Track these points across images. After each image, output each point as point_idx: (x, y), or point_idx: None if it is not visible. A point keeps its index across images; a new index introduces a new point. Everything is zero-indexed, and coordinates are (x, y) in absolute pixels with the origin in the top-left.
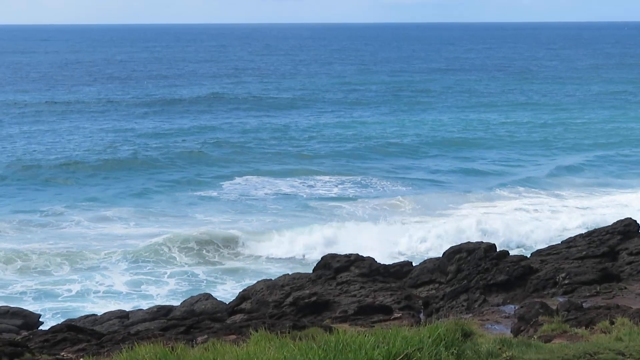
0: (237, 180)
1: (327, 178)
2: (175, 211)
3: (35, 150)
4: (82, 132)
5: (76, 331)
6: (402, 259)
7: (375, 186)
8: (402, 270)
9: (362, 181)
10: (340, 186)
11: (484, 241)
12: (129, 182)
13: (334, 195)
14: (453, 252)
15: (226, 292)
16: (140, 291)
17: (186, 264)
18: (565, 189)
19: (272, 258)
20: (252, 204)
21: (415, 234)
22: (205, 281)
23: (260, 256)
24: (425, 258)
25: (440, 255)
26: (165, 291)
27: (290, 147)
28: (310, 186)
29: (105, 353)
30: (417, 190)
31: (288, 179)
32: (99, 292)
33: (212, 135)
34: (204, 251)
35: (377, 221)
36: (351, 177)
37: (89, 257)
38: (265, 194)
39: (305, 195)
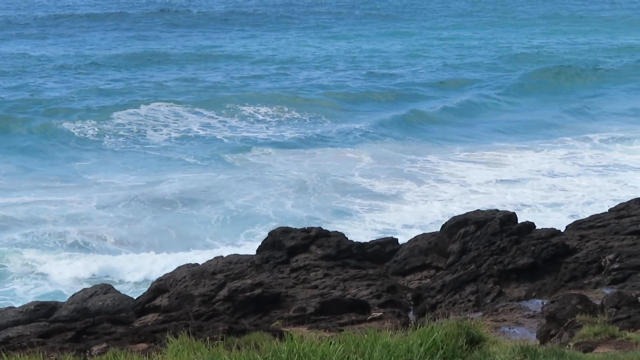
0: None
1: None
2: None
3: None
4: None
5: None
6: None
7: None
8: (383, 250)
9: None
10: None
11: (500, 209)
12: None
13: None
14: (456, 225)
15: (134, 283)
16: None
17: None
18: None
19: None
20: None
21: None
22: None
23: None
24: (417, 234)
25: (438, 230)
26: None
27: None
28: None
29: None
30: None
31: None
32: None
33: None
34: None
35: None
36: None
37: None
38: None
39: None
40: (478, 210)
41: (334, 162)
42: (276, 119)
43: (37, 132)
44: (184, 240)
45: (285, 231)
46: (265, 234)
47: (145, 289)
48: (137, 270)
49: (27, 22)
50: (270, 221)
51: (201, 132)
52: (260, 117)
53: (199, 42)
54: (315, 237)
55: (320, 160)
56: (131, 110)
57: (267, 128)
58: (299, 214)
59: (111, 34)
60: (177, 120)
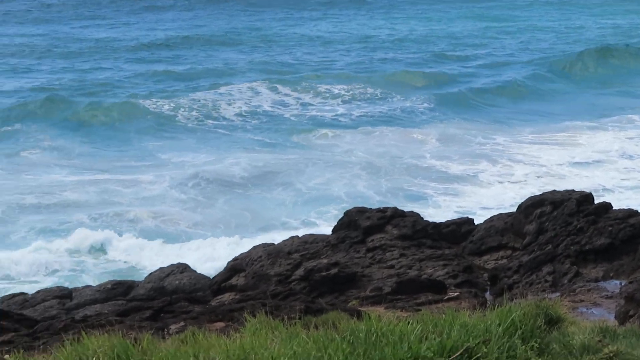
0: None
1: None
2: None
3: None
4: None
5: None
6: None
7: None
8: (459, 230)
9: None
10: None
11: (576, 189)
12: None
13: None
14: (532, 205)
15: (210, 261)
16: None
17: None
18: None
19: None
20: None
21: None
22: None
23: None
24: (493, 214)
25: (514, 210)
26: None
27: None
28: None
29: (41, 347)
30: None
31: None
32: None
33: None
34: None
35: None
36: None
37: None
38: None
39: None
40: (554, 190)
41: (401, 142)
42: (345, 98)
43: (112, 112)
44: (259, 223)
45: (361, 211)
46: (337, 215)
47: (220, 269)
48: (211, 257)
49: (99, 1)
50: (342, 203)
51: (271, 111)
52: (330, 97)
53: (271, 23)
54: (391, 217)
55: (387, 140)
56: (206, 91)
57: (335, 108)
58: (371, 196)
59: (185, 14)
60: (248, 99)
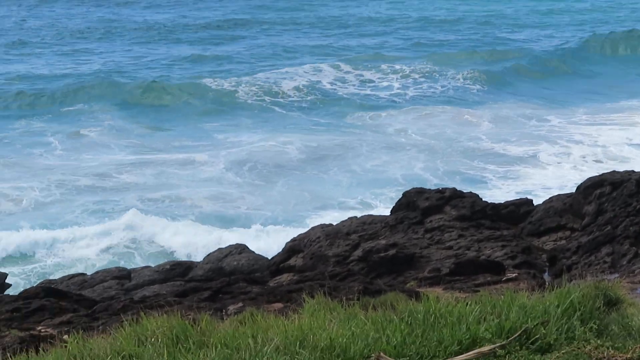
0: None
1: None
2: None
3: None
4: None
5: (58, 297)
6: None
7: None
8: (518, 211)
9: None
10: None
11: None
12: None
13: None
14: (591, 186)
15: (268, 242)
16: None
17: None
18: None
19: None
20: None
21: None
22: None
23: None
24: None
25: (573, 191)
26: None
27: None
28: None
29: (99, 327)
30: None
31: None
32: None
33: None
34: None
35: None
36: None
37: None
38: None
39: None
40: (614, 171)
41: (455, 123)
42: (400, 78)
43: (172, 93)
44: (317, 203)
45: (419, 192)
46: (394, 197)
47: (278, 250)
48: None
49: None
50: (399, 185)
51: (327, 91)
52: (386, 77)
53: (330, 4)
54: (449, 197)
55: (440, 121)
56: (268, 72)
57: (390, 87)
58: (428, 179)
59: (254, 2)
60: (307, 81)
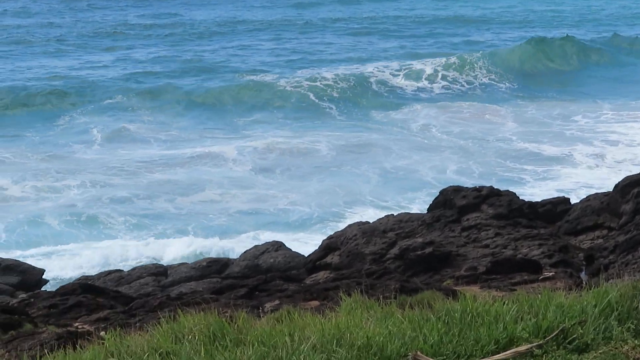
0: None
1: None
2: None
3: None
4: None
5: (95, 293)
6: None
7: None
8: (555, 210)
9: None
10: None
11: None
12: None
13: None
14: (629, 185)
15: (305, 240)
16: None
17: None
18: None
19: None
20: None
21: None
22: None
23: None
24: (589, 194)
25: (611, 189)
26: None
27: None
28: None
29: (136, 324)
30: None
31: None
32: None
33: None
34: None
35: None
36: None
37: None
38: None
39: None
40: None
41: (483, 122)
42: (433, 76)
43: (216, 91)
44: (350, 201)
45: (456, 190)
46: (427, 196)
47: (314, 248)
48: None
49: None
50: (432, 188)
51: (358, 88)
52: (412, 73)
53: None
54: (486, 196)
55: (468, 119)
56: (305, 71)
57: (416, 83)
58: (463, 181)
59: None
60: (337, 79)
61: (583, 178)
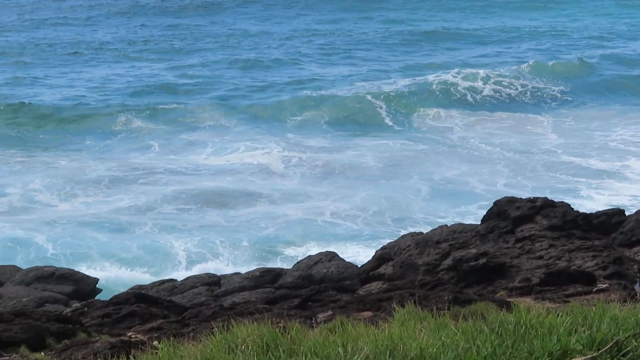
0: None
1: None
2: None
3: None
4: None
5: (148, 303)
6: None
7: None
8: (609, 221)
9: None
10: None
11: None
12: None
13: None
14: None
15: (359, 250)
16: None
17: None
18: None
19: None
20: None
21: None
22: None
23: None
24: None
25: None
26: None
27: None
28: None
29: (190, 334)
30: None
31: None
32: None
33: None
34: None
35: None
36: None
37: None
38: None
39: None
40: None
41: (519, 133)
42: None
43: (280, 106)
44: (399, 214)
45: (510, 201)
46: (478, 208)
47: (368, 258)
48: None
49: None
50: (482, 200)
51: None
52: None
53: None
54: (541, 207)
55: (509, 131)
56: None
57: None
58: (509, 192)
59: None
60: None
61: (636, 190)
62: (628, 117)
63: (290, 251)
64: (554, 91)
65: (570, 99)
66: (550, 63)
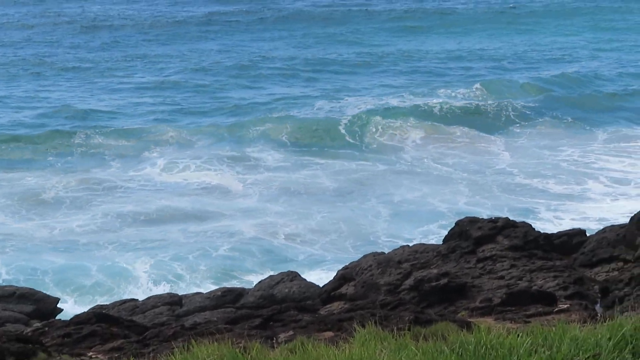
0: None
1: None
2: None
3: None
4: None
5: (109, 323)
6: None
7: None
8: (570, 242)
9: None
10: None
11: None
12: None
13: None
14: None
15: (319, 271)
16: None
17: None
18: None
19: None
20: None
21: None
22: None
23: None
24: (605, 225)
25: (627, 222)
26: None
27: None
28: None
29: (150, 354)
30: None
31: None
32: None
33: None
34: None
35: None
36: None
37: None
38: None
39: None
40: None
41: (472, 153)
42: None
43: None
44: (359, 238)
45: (472, 221)
46: (438, 228)
47: (329, 278)
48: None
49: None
50: (443, 217)
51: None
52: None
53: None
54: (502, 227)
55: (464, 150)
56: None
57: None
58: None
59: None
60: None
61: (598, 211)
62: (577, 137)
63: (250, 277)
64: (507, 110)
65: (523, 117)
66: (502, 81)
